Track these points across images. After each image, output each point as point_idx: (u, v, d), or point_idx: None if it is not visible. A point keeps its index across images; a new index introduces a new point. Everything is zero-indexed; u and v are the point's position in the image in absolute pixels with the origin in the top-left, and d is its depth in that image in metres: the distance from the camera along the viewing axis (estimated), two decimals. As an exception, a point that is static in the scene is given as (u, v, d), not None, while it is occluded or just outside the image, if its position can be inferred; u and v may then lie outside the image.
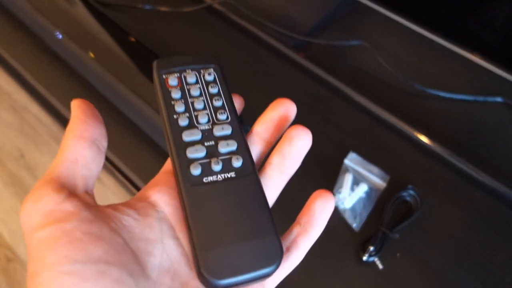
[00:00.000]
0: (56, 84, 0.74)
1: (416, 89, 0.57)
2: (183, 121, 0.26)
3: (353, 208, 0.50)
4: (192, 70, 0.28)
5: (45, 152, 1.18)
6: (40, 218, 0.20)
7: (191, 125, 0.26)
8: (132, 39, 0.71)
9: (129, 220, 0.23)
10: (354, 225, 0.49)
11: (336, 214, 0.50)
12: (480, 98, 0.56)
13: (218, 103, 0.28)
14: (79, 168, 0.23)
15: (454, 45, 0.53)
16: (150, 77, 0.67)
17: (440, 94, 0.57)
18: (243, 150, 0.26)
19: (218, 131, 0.26)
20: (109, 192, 1.10)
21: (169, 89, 0.27)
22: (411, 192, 0.50)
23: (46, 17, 0.76)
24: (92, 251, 0.20)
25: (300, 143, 0.26)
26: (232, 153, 0.26)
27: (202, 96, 0.28)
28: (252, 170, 0.26)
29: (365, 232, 0.48)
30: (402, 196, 0.50)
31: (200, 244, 0.23)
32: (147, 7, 0.70)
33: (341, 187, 0.51)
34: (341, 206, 0.50)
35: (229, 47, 0.66)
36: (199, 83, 0.28)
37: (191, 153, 0.25)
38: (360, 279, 0.46)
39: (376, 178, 0.51)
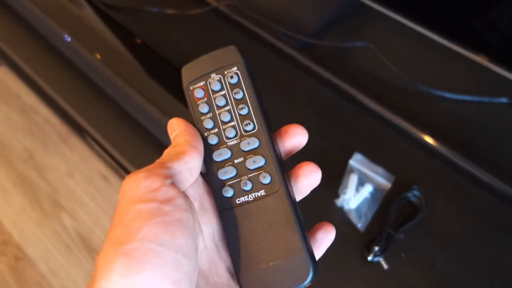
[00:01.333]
0: (64, 86, 0.75)
1: (421, 90, 0.58)
2: (212, 140, 0.27)
3: (358, 209, 0.50)
4: (216, 74, 0.28)
5: (53, 153, 1.19)
6: (145, 191, 0.23)
7: (220, 143, 0.27)
8: (138, 41, 0.72)
9: (195, 207, 0.26)
10: (359, 225, 0.49)
11: (341, 215, 0.50)
12: (485, 99, 0.56)
13: (243, 111, 0.27)
14: (187, 171, 0.25)
15: (459, 46, 0.53)
16: (155, 78, 0.68)
17: (445, 95, 0.57)
18: (271, 164, 0.26)
19: (245, 146, 0.27)
20: (115, 191, 1.11)
21: (197, 102, 0.28)
22: (416, 192, 0.50)
23: (55, 20, 0.77)
24: (177, 238, 0.22)
25: (306, 181, 0.27)
26: (260, 169, 0.26)
27: (228, 105, 0.28)
28: (281, 186, 0.26)
29: (370, 233, 0.49)
30: (406, 197, 0.50)
31: (238, 266, 0.26)
32: (154, 9, 0.70)
33: (346, 187, 0.51)
34: (346, 207, 0.50)
35: (231, 43, 0.67)
36: (224, 89, 0.28)
37: (222, 175, 0.27)
38: (365, 279, 0.47)
39: (381, 179, 0.52)
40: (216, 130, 0.27)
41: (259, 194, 0.26)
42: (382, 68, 0.59)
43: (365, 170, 0.52)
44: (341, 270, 0.48)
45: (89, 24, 0.76)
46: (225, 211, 0.26)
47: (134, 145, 0.67)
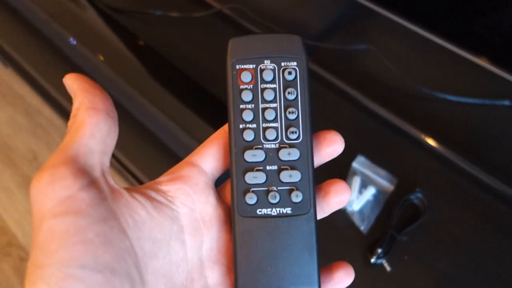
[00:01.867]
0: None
1: (423, 93, 0.58)
2: (248, 135, 0.24)
3: (361, 211, 0.51)
4: (271, 61, 0.24)
5: (57, 154, 1.20)
6: (55, 202, 0.19)
7: (256, 142, 0.24)
8: (141, 42, 0.73)
9: (143, 214, 0.22)
10: (362, 228, 0.49)
11: (344, 217, 0.50)
12: (488, 102, 0.56)
13: (292, 115, 0.24)
14: (97, 144, 0.21)
15: (461, 49, 0.53)
16: (159, 81, 0.68)
17: (448, 98, 0.57)
18: (306, 184, 0.24)
19: (284, 156, 0.24)
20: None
21: (241, 86, 0.24)
22: (419, 195, 0.50)
23: (59, 23, 0.77)
24: (100, 256, 0.19)
25: (335, 199, 0.25)
26: (293, 184, 0.24)
27: (276, 102, 0.24)
28: (310, 209, 0.24)
29: (373, 235, 0.49)
30: (410, 199, 0.50)
31: (241, 280, 0.23)
32: (158, 12, 0.71)
33: (349, 190, 0.52)
34: (349, 209, 0.51)
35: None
36: (275, 82, 0.24)
37: (250, 179, 0.24)
38: (368, 281, 0.47)
39: (384, 181, 0.52)
40: (254, 125, 0.24)
41: (284, 211, 0.24)
42: (384, 71, 0.59)
43: (368, 172, 0.53)
44: (344, 272, 0.48)
45: (93, 27, 0.76)
46: (242, 218, 0.24)
47: (137, 146, 0.68)
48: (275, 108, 0.24)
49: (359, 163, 0.53)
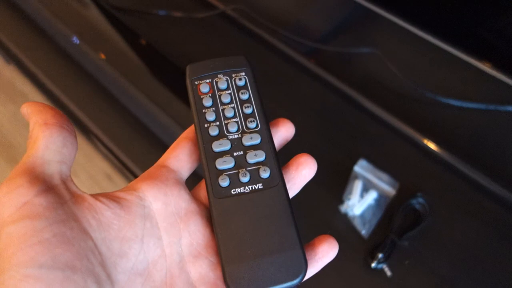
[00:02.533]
0: (71, 87, 0.76)
1: (427, 97, 0.58)
2: (213, 131, 0.27)
3: (362, 215, 0.50)
4: (223, 75, 0.29)
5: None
6: (12, 210, 0.20)
7: (221, 135, 0.27)
8: (143, 41, 0.73)
9: (108, 215, 0.22)
10: (363, 232, 0.49)
11: (345, 221, 0.50)
12: (491, 107, 0.56)
13: (248, 110, 0.28)
14: (52, 154, 0.22)
15: (465, 54, 0.53)
16: (162, 81, 0.68)
17: (451, 103, 0.57)
18: (271, 160, 0.26)
19: (247, 141, 0.27)
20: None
21: (201, 96, 0.28)
22: (420, 200, 0.50)
23: (63, 21, 0.77)
24: (59, 255, 0.19)
25: (305, 170, 0.27)
26: (260, 163, 0.26)
27: (233, 103, 0.28)
28: (280, 181, 0.26)
29: (374, 239, 0.49)
30: (411, 204, 0.50)
31: (226, 257, 0.24)
32: (161, 12, 0.71)
33: (350, 193, 0.51)
34: (350, 213, 0.51)
35: (241, 53, 0.67)
36: (230, 89, 0.28)
37: (220, 164, 0.26)
38: (368, 286, 0.47)
39: (386, 185, 0.52)
40: (218, 123, 0.27)
41: (256, 187, 0.26)
42: (388, 75, 0.59)
43: (369, 176, 0.52)
44: (344, 276, 0.48)
45: (96, 26, 0.76)
46: (218, 200, 0.25)
47: (139, 146, 0.68)
48: (233, 107, 0.28)
49: (360, 167, 0.53)
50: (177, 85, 0.67)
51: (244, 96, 0.28)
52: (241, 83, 0.28)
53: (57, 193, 0.21)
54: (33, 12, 0.83)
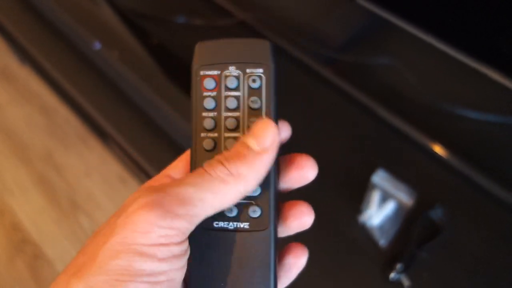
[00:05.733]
0: (87, 88, 0.77)
1: (446, 109, 0.58)
2: (208, 145, 0.23)
3: (380, 225, 0.51)
4: (236, 67, 0.23)
5: (72, 153, 1.21)
6: (153, 240, 0.19)
7: (216, 150, 0.23)
8: (158, 45, 0.73)
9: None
10: (381, 242, 0.50)
11: (363, 231, 0.51)
12: (510, 120, 0.56)
13: None
14: (209, 211, 0.21)
15: (485, 66, 0.53)
16: (178, 84, 0.69)
17: (469, 115, 0.57)
18: (266, 198, 0.22)
19: None
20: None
21: (203, 93, 0.23)
22: (438, 211, 0.50)
23: (80, 23, 0.78)
24: None
25: (295, 224, 0.24)
26: (251, 199, 0.22)
27: (239, 110, 0.23)
28: (269, 226, 0.22)
29: (391, 250, 0.49)
30: (429, 215, 0.50)
31: None
32: (181, 20, 0.72)
33: (368, 203, 0.52)
34: (368, 223, 0.51)
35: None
36: (240, 90, 0.23)
37: None
38: (386, 296, 0.47)
39: (404, 196, 0.52)
40: (215, 134, 0.23)
41: (242, 226, 0.22)
42: (407, 86, 0.59)
43: (387, 187, 0.53)
44: (360, 287, 0.48)
45: (114, 30, 0.77)
46: (198, 230, 0.22)
47: (156, 148, 0.69)
48: (237, 117, 0.23)
49: (379, 177, 0.53)
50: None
51: (255, 105, 0.22)
52: (254, 85, 0.22)
53: (185, 245, 0.20)
54: (50, 13, 0.84)
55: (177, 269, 0.20)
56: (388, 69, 0.63)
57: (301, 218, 0.23)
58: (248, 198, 0.22)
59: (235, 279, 0.22)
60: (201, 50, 0.23)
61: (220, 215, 0.22)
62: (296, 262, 0.24)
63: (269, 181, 0.22)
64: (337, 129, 0.59)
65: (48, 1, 0.83)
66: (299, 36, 0.66)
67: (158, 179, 0.24)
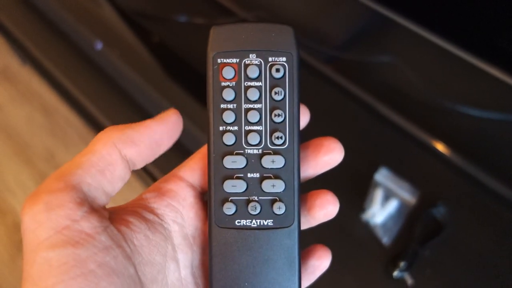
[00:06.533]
0: (87, 87, 0.77)
1: (448, 106, 0.58)
2: (229, 139, 0.22)
3: (383, 223, 0.51)
4: (257, 55, 0.21)
5: (74, 153, 1.20)
6: (51, 232, 0.17)
7: (237, 146, 0.22)
8: (161, 44, 0.73)
9: (141, 238, 0.20)
10: (384, 240, 0.50)
11: (366, 229, 0.51)
12: (512, 117, 0.56)
13: (278, 118, 0.22)
14: (105, 182, 0.20)
15: (487, 64, 0.53)
16: (180, 83, 0.69)
17: (472, 113, 0.57)
18: (290, 194, 0.22)
19: (267, 163, 0.22)
20: (134, 193, 1.13)
21: (222, 83, 0.22)
22: (441, 209, 0.50)
23: (80, 22, 0.78)
24: None
25: (321, 213, 0.23)
26: (276, 195, 0.22)
27: (261, 102, 0.22)
28: (293, 222, 0.22)
29: (394, 248, 0.49)
30: (432, 213, 0.50)
31: None
32: (183, 19, 0.72)
33: (371, 202, 0.52)
34: (371, 221, 0.51)
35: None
36: (262, 80, 0.22)
37: (229, 187, 0.22)
38: (390, 294, 0.47)
39: (407, 194, 0.52)
40: (235, 127, 0.22)
41: (265, 223, 0.22)
42: (408, 83, 0.59)
43: (390, 185, 0.53)
44: (364, 284, 0.48)
45: (115, 29, 0.77)
46: (219, 229, 0.22)
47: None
48: (259, 110, 0.22)
49: (381, 175, 0.53)
50: (196, 89, 0.68)
51: (278, 96, 0.21)
52: (278, 74, 0.21)
53: (100, 216, 0.19)
54: (51, 13, 0.84)
55: (102, 251, 0.18)
56: (389, 67, 0.63)
57: (327, 207, 0.23)
58: (272, 194, 0.22)
59: (259, 278, 0.21)
60: (217, 35, 0.22)
61: (243, 213, 0.22)
62: (320, 264, 0.23)
63: (293, 176, 0.22)
64: (340, 127, 0.59)
65: (48, 0, 0.83)
66: (301, 34, 0.66)
67: (169, 187, 0.23)
